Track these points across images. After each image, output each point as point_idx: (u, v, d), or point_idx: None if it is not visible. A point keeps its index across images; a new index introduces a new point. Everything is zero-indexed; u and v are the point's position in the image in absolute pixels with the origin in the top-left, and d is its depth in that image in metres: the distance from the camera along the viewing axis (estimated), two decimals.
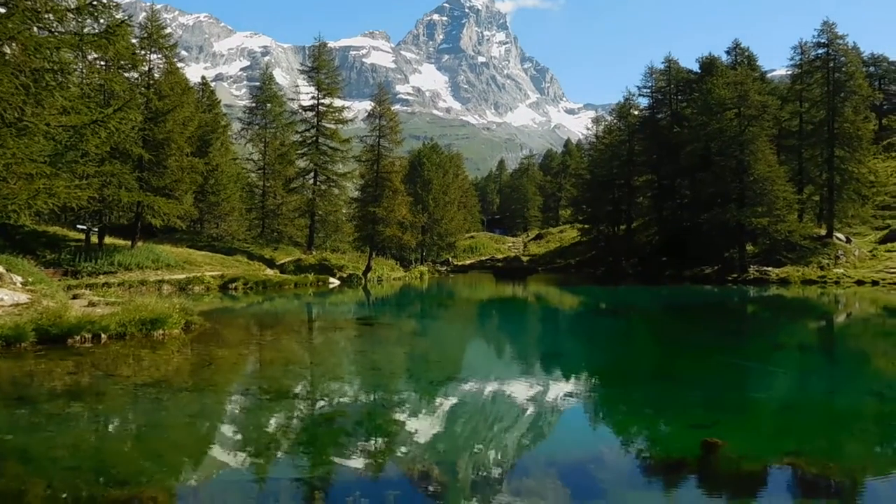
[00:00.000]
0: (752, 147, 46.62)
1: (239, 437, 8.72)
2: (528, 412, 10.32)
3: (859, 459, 8.16)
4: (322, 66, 50.74)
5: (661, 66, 62.77)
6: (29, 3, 16.59)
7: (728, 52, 62.20)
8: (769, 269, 45.03)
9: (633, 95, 64.97)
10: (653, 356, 16.90)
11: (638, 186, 62.56)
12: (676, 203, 58.95)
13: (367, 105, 57.75)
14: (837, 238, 48.54)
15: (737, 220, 46.08)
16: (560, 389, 12.11)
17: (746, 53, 62.01)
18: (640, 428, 9.59)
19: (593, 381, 13.45)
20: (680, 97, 62.03)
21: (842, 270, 43.50)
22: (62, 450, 7.72)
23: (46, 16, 17.15)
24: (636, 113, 64.98)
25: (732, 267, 46.63)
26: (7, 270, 20.19)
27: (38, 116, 17.13)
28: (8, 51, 16.49)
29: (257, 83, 63.23)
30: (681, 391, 11.84)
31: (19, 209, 17.30)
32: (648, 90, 63.23)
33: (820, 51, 51.64)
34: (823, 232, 49.26)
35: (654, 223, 61.26)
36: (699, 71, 60.57)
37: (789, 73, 56.82)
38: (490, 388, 12.03)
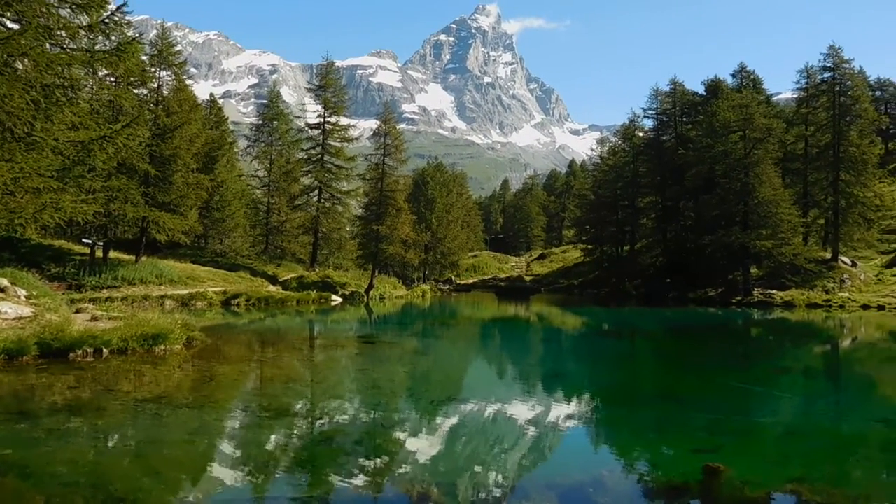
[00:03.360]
0: (757, 170, 46.65)
1: (238, 454, 8.68)
2: (529, 433, 10.25)
3: (865, 487, 8.07)
4: (329, 85, 51.08)
5: (667, 88, 63.02)
6: (42, 20, 16.77)
7: (733, 75, 62.50)
8: (773, 292, 44.85)
9: (638, 117, 65.25)
10: (655, 378, 16.80)
11: (642, 208, 62.54)
12: (680, 225, 58.91)
13: (373, 123, 58.03)
14: (843, 262, 48.36)
15: (741, 242, 45.99)
16: (561, 411, 12.04)
17: (752, 76, 62.25)
18: (641, 451, 9.52)
19: (595, 402, 13.37)
20: (685, 119, 62.20)
21: (847, 294, 43.30)
22: (61, 465, 7.68)
23: (59, 33, 17.33)
24: (641, 134, 65.14)
25: (736, 289, 46.47)
26: (12, 283, 20.23)
27: (48, 131, 17.25)
28: (20, 66, 16.65)
29: (265, 101, 63.70)
30: (683, 414, 11.76)
31: (26, 223, 17.39)
32: (653, 112, 63.40)
33: (826, 75, 51.79)
34: (829, 255, 49.09)
35: (658, 245, 61.17)
36: (704, 93, 60.77)
37: (795, 96, 56.96)
38: (491, 408, 11.96)
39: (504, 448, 9.43)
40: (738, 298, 44.93)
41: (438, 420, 10.84)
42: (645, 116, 64.43)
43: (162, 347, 15.55)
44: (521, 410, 11.82)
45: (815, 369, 19.48)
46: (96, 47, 18.61)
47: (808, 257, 46.96)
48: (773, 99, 65.33)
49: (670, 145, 61.20)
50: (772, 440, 10.21)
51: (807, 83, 53.36)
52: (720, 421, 11.12)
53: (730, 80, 61.58)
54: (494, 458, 8.94)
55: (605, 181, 66.24)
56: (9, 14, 17.05)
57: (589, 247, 67.54)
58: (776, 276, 46.75)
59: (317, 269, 48.64)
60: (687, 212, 58.09)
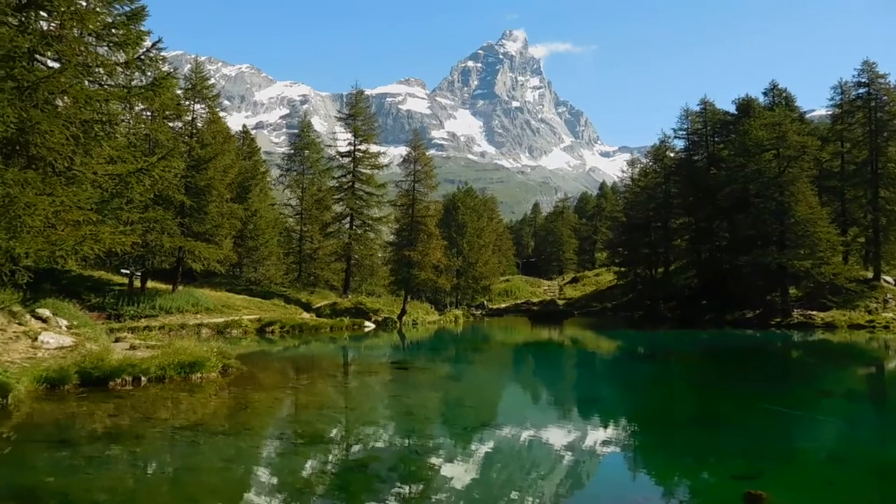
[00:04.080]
0: (793, 188, 45.85)
1: (274, 481, 8.72)
2: (565, 459, 10.12)
3: None
4: (359, 113, 51.75)
5: (697, 108, 62.45)
6: (81, 58, 17.36)
7: (765, 94, 61.68)
8: (814, 313, 43.82)
9: (669, 138, 64.71)
10: (693, 402, 16.49)
11: (675, 229, 61.77)
12: (715, 245, 58.06)
13: (403, 150, 58.48)
14: (885, 281, 47.19)
15: (778, 262, 45.10)
16: (597, 436, 11.87)
17: (784, 94, 61.40)
18: (680, 477, 9.33)
19: (631, 427, 13.16)
20: (716, 139, 61.53)
21: (891, 314, 42.16)
22: (100, 492, 7.80)
23: (97, 70, 17.93)
24: (672, 155, 64.55)
25: (775, 311, 45.48)
26: (53, 314, 20.69)
27: (87, 165, 17.77)
28: (60, 103, 17.23)
29: (296, 130, 64.72)
30: (722, 439, 11.52)
31: (66, 254, 17.82)
32: (684, 132, 62.88)
33: (861, 90, 50.96)
34: (870, 275, 47.94)
35: (692, 266, 60.31)
36: (736, 112, 60.11)
37: (829, 113, 56.13)
38: (526, 434, 11.85)
39: (539, 474, 9.33)
40: (777, 320, 43.96)
41: (473, 446, 10.77)
42: (675, 137, 63.93)
43: (198, 375, 15.74)
44: (556, 436, 11.69)
45: (858, 392, 18.95)
46: (133, 83, 19.21)
47: (848, 277, 45.83)
48: (807, 116, 64.35)
49: (702, 165, 60.56)
50: (814, 466, 9.94)
51: (841, 99, 52.55)
52: (760, 446, 10.86)
53: (761, 99, 60.80)
54: (529, 484, 8.84)
55: (637, 203, 65.67)
56: (49, 53, 17.71)
57: (622, 269, 66.80)
58: (816, 297, 45.70)
59: (349, 296, 48.91)
60: (721, 232, 57.25)
